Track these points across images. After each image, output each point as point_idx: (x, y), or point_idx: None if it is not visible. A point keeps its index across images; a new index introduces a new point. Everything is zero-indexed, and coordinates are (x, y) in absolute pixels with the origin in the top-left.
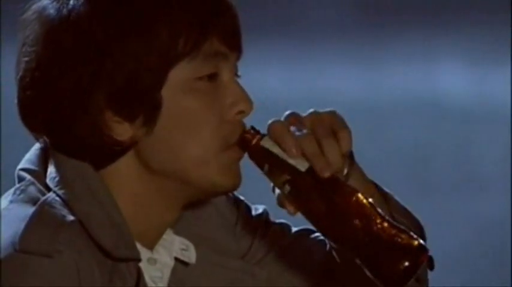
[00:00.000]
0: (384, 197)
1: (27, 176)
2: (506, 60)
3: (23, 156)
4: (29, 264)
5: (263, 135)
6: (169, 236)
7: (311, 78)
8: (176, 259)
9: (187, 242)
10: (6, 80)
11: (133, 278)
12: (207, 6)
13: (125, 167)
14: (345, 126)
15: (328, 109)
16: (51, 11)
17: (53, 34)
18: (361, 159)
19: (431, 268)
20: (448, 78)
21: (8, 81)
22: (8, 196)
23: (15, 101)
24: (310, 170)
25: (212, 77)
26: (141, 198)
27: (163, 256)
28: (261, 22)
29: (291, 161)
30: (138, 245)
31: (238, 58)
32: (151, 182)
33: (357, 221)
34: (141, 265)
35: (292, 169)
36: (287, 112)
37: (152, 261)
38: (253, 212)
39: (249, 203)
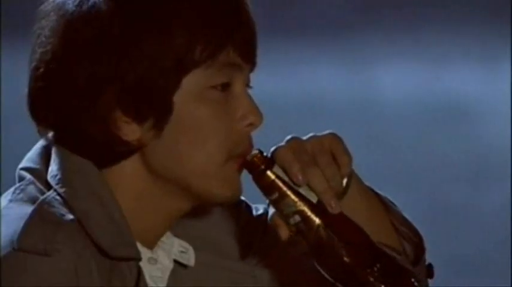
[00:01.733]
0: (385, 206)
1: (28, 175)
2: (507, 59)
3: (23, 156)
4: (27, 263)
5: (271, 161)
6: (168, 238)
7: (305, 78)
8: (175, 261)
9: (186, 244)
10: (6, 80)
11: (133, 277)
12: (228, 17)
13: (128, 168)
14: (345, 152)
15: (327, 132)
16: (71, 5)
17: (71, 28)
18: (359, 160)
19: (431, 276)
20: (447, 77)
21: (8, 81)
22: (7, 195)
23: (15, 101)
24: (319, 202)
25: (224, 86)
26: (143, 199)
27: (162, 258)
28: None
29: (303, 192)
30: (139, 245)
31: (251, 70)
32: (154, 185)
33: (361, 260)
34: (142, 264)
35: (304, 200)
36: (288, 137)
37: (153, 261)
38: (254, 212)
39: (250, 203)
